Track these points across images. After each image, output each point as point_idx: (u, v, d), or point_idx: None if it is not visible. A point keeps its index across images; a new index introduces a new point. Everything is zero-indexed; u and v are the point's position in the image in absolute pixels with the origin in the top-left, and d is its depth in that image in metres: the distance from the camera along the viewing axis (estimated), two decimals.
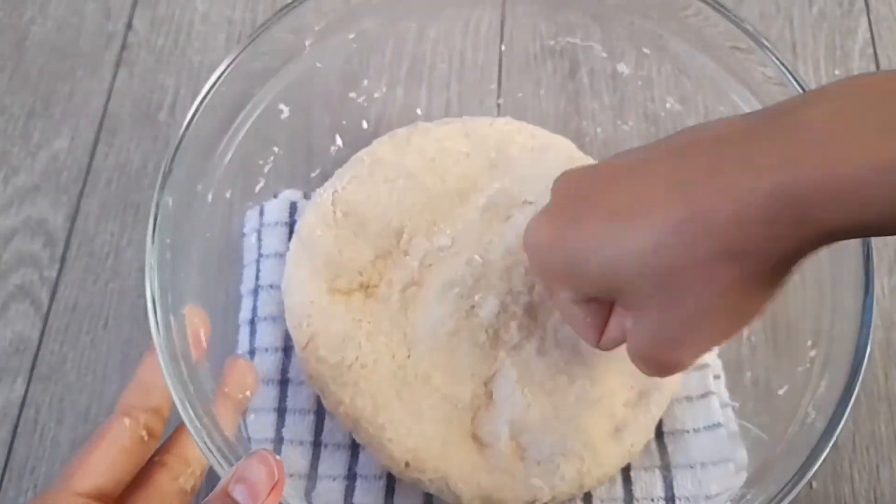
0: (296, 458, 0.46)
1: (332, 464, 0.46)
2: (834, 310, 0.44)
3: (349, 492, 0.46)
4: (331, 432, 0.47)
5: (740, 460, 0.46)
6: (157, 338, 0.39)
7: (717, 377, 0.50)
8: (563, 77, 0.59)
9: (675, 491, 0.46)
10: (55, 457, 0.50)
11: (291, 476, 0.45)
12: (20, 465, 0.50)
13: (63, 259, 0.56)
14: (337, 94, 0.55)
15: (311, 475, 0.46)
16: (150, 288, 0.40)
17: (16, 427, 0.51)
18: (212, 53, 0.62)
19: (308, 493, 0.45)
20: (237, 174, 0.51)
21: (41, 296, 0.55)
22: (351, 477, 0.46)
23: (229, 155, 0.50)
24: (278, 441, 0.46)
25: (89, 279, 0.55)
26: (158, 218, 0.42)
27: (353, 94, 0.56)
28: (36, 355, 0.53)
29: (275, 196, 0.54)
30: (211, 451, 0.37)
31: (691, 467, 0.47)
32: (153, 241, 0.41)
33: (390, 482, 0.46)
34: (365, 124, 0.57)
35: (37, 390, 0.52)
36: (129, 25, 0.64)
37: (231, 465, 0.37)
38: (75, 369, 0.53)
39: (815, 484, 0.50)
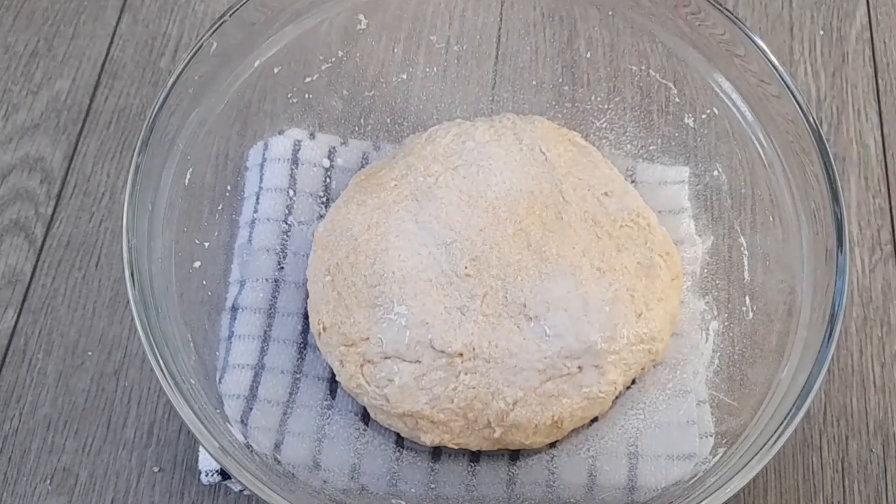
0: (274, 384, 0.47)
1: (311, 394, 0.47)
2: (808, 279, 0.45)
3: (324, 420, 0.47)
4: (311, 364, 0.48)
5: (706, 427, 0.47)
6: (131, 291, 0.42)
7: (693, 347, 0.51)
8: (561, 45, 0.60)
9: (639, 448, 0.47)
10: (41, 387, 0.51)
11: (269, 402, 0.47)
12: (6, 393, 0.51)
13: (59, 196, 0.57)
14: (336, 52, 0.56)
15: (289, 402, 0.47)
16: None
17: (5, 356, 0.52)
18: (215, 3, 0.63)
19: (283, 420, 0.46)
20: (231, 124, 0.52)
21: (36, 231, 0.56)
22: (326, 408, 0.48)
23: (222, 105, 0.51)
24: (259, 367, 0.48)
25: (84, 217, 0.56)
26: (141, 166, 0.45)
27: (351, 53, 0.56)
28: (28, 288, 0.54)
29: (280, 133, 0.55)
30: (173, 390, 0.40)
31: (657, 427, 0.48)
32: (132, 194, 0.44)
33: (365, 418, 0.48)
34: (363, 84, 0.58)
35: (27, 322, 0.53)
36: None
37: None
38: (66, 303, 0.54)
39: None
